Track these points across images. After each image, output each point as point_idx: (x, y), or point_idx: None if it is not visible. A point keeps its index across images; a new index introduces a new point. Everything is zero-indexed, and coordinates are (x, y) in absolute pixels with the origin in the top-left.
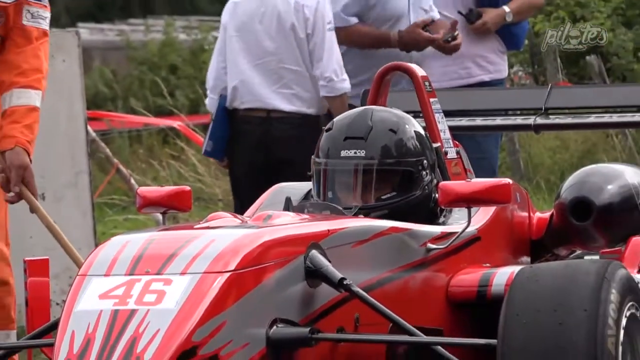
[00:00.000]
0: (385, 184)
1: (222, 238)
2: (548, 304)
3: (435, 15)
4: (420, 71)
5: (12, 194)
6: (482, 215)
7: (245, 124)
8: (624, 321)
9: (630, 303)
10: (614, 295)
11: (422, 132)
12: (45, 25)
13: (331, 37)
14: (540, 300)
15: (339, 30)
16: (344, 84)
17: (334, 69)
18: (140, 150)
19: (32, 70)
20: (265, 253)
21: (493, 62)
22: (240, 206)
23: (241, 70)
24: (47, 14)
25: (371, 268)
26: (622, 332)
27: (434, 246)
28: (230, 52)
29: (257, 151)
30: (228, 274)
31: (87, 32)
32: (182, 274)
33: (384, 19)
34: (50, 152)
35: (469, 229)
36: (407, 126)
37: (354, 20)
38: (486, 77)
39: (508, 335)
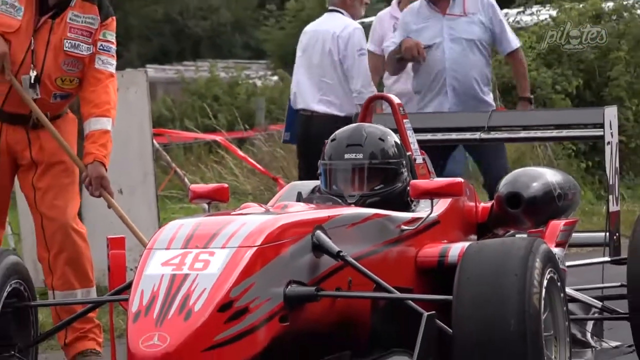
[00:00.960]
0: (376, 178)
1: (251, 222)
2: (489, 270)
3: None
4: (396, 99)
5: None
6: (441, 205)
7: (299, 121)
8: (545, 282)
9: (550, 269)
10: (537, 264)
11: (399, 142)
12: (112, 69)
13: (361, 61)
14: (484, 267)
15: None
16: (369, 94)
17: (363, 84)
18: (192, 158)
19: (103, 103)
20: (283, 233)
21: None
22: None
23: (299, 81)
24: (114, 61)
25: (360, 243)
26: (543, 290)
27: (406, 227)
28: (296, 67)
29: (304, 141)
30: (255, 248)
31: (153, 71)
32: (222, 247)
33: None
34: (125, 159)
35: (431, 215)
36: (389, 137)
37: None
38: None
39: (460, 293)
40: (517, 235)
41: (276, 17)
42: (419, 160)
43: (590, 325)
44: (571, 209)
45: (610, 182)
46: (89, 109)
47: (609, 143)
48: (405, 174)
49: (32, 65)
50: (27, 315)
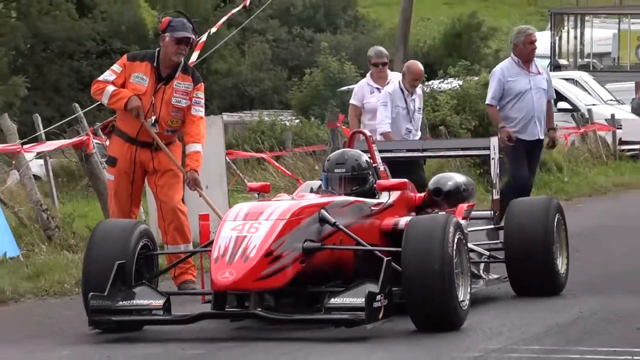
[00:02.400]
0: (354, 183)
1: (282, 205)
2: (423, 233)
3: None
4: (368, 133)
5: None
6: (394, 195)
7: None
8: (455, 240)
9: (458, 233)
10: (451, 229)
11: (369, 159)
12: (202, 114)
13: (381, 108)
14: (420, 231)
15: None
16: (383, 129)
17: (379, 123)
18: (248, 167)
19: (196, 135)
20: (301, 211)
21: None
22: None
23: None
24: (203, 109)
25: (348, 217)
26: (454, 245)
27: (374, 208)
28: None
29: None
30: (285, 220)
31: (226, 116)
32: (266, 220)
33: (512, 95)
34: (210, 167)
35: (389, 201)
36: (362, 157)
37: (495, 102)
38: None
39: (406, 247)
40: (439, 213)
41: (297, 85)
42: (382, 168)
43: (482, 265)
44: (471, 197)
45: (494, 182)
46: (188, 138)
47: (492, 158)
48: (372, 178)
49: (153, 113)
50: (151, 260)
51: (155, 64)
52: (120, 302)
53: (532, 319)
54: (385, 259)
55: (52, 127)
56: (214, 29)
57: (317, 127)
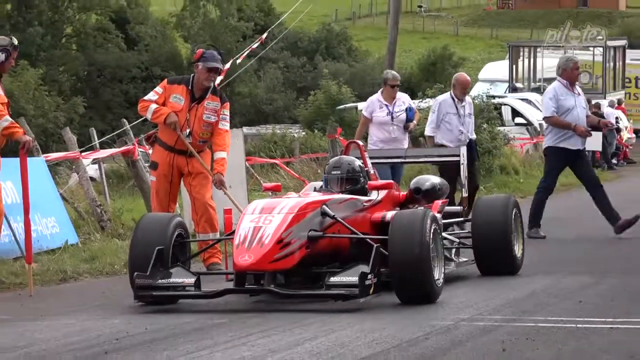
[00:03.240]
0: (349, 183)
1: (292, 201)
2: (406, 224)
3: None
4: (361, 143)
5: (219, 188)
6: (382, 193)
7: None
8: (432, 230)
9: (434, 224)
10: (428, 221)
11: (361, 163)
12: (227, 128)
13: (431, 114)
14: (404, 223)
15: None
16: (427, 132)
17: (426, 127)
18: (264, 170)
19: (222, 144)
20: (307, 206)
21: None
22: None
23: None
24: (228, 124)
25: (344, 211)
26: (431, 234)
27: (366, 204)
28: None
29: None
30: (294, 214)
31: (246, 129)
32: (278, 213)
33: (562, 111)
34: (233, 171)
35: (378, 198)
36: (355, 162)
37: (556, 113)
38: None
39: (392, 235)
40: (419, 208)
41: (304, 104)
42: (372, 171)
43: (454, 250)
44: (444, 195)
45: (463, 182)
46: (215, 147)
47: (462, 163)
48: (363, 179)
49: (187, 127)
50: (184, 246)
51: (190, 87)
52: (159, 281)
53: (495, 294)
54: (375, 245)
55: (104, 138)
56: (239, 60)
57: (320, 138)
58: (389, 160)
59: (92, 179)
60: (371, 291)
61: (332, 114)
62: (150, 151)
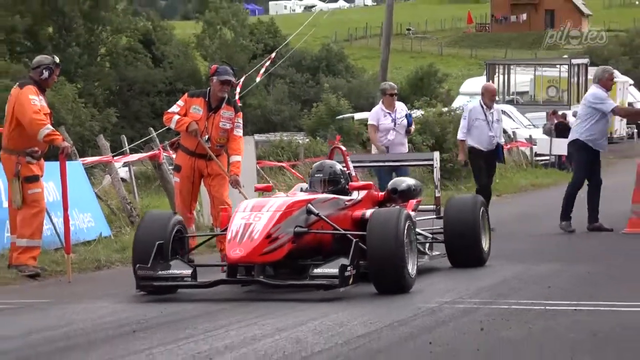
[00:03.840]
0: (330, 184)
1: (279, 200)
2: (383, 221)
3: None
4: (344, 148)
5: (235, 188)
6: (362, 193)
7: None
8: (406, 227)
9: (408, 222)
10: (403, 218)
11: (343, 167)
12: (241, 134)
13: (462, 120)
14: (381, 220)
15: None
16: (458, 137)
17: (459, 132)
18: (272, 172)
19: (237, 149)
20: (293, 205)
21: None
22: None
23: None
24: (242, 131)
25: (328, 209)
26: (405, 230)
27: (347, 203)
28: None
29: None
30: (281, 211)
31: (257, 136)
32: (267, 211)
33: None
34: (246, 173)
35: (358, 198)
36: (337, 166)
37: (614, 105)
38: None
39: (370, 231)
40: (395, 207)
41: (307, 114)
42: (353, 173)
43: (427, 245)
44: (419, 195)
45: (436, 184)
46: (231, 151)
47: (435, 167)
48: (344, 181)
49: (206, 133)
50: (183, 241)
51: (207, 99)
52: (160, 272)
53: (468, 283)
54: (354, 240)
55: (133, 144)
56: (258, 79)
57: (322, 144)
58: (369, 164)
59: (123, 180)
60: (350, 282)
61: (332, 123)
62: (173, 156)
